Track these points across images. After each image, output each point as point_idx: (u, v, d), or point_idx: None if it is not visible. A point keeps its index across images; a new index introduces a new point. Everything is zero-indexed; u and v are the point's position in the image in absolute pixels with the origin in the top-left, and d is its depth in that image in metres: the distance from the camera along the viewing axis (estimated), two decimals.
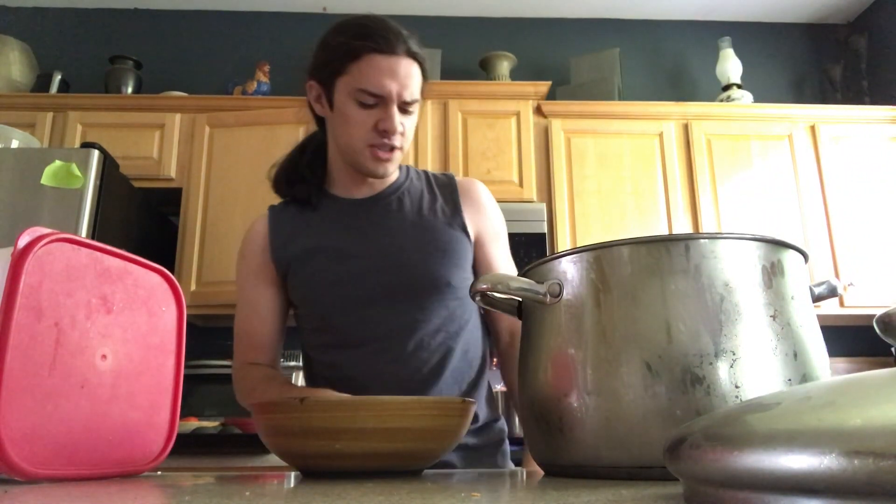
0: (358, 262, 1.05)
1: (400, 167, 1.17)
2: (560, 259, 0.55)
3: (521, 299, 0.62)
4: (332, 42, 1.04)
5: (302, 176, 1.17)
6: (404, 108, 1.02)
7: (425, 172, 1.20)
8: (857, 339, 2.95)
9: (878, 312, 0.38)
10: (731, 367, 0.48)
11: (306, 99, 1.11)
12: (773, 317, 0.50)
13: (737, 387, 0.48)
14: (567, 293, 0.54)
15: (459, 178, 1.19)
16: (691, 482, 0.29)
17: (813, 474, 0.22)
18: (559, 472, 0.55)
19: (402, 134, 1.04)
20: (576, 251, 0.55)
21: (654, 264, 0.51)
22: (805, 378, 0.50)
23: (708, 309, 0.49)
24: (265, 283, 1.13)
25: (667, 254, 0.51)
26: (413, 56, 1.02)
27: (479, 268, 1.12)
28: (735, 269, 0.51)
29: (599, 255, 0.53)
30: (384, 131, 1.02)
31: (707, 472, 0.27)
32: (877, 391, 0.25)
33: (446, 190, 1.15)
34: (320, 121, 1.15)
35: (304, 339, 1.16)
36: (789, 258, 0.54)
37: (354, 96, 1.01)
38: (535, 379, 0.57)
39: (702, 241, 0.51)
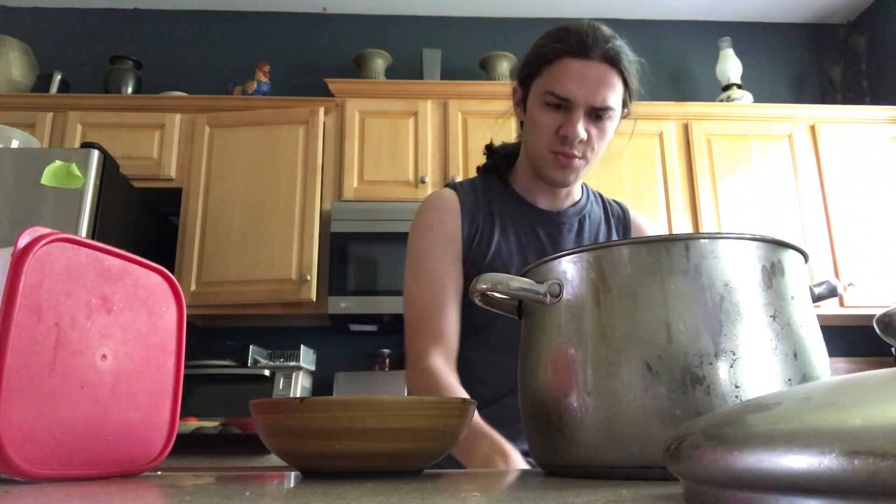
0: None
1: (582, 187, 1.15)
2: (560, 259, 0.55)
3: (520, 300, 0.62)
4: (535, 45, 1.03)
5: (499, 156, 1.15)
6: (594, 115, 0.98)
7: (601, 197, 1.19)
8: (857, 339, 2.95)
9: (878, 312, 0.38)
10: (731, 367, 0.48)
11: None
12: (773, 317, 0.50)
13: (737, 387, 0.48)
14: (567, 293, 0.54)
15: (632, 213, 1.18)
16: (691, 482, 0.29)
17: (813, 474, 0.22)
18: (559, 472, 0.55)
19: (588, 143, 0.99)
20: (576, 251, 0.55)
21: (654, 264, 0.51)
22: (805, 378, 0.50)
23: (708, 309, 0.49)
24: (453, 257, 1.04)
25: (666, 254, 0.51)
26: (611, 62, 0.97)
27: None
28: (735, 269, 0.51)
29: (599, 255, 0.53)
30: (565, 137, 0.98)
31: (707, 472, 0.27)
32: (877, 391, 0.25)
33: (619, 223, 1.15)
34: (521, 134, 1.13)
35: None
36: (789, 258, 0.54)
37: (542, 99, 0.99)
38: (535, 379, 0.57)
39: (702, 241, 0.51)
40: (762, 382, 0.48)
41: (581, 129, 0.97)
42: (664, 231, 2.71)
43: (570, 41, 0.97)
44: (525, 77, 1.03)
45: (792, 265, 0.54)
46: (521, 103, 1.06)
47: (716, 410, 0.33)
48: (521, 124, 1.10)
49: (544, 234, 1.07)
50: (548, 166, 1.02)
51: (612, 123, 1.01)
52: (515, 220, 1.08)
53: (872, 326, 0.38)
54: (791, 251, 0.54)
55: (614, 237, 1.12)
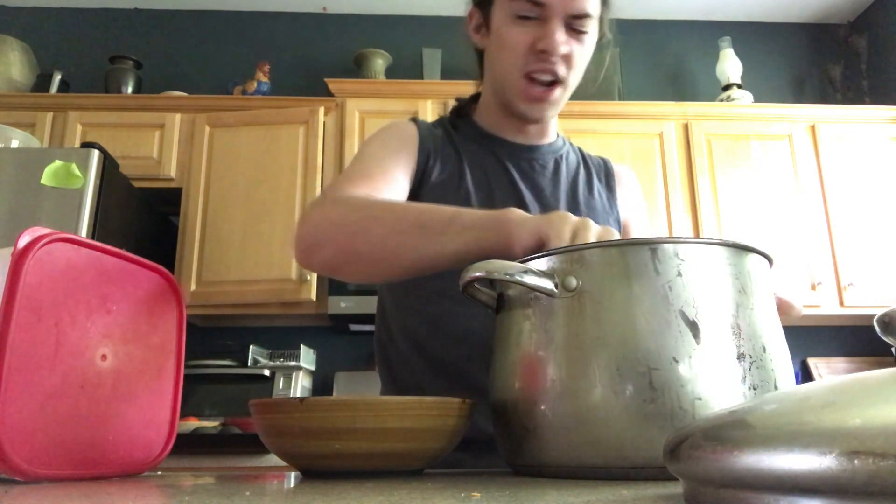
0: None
1: (557, 133, 1.03)
2: (530, 263, 0.56)
3: (501, 292, 0.61)
4: None
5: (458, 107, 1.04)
6: (573, 26, 0.86)
7: (579, 149, 1.06)
8: (857, 339, 2.95)
9: (878, 312, 0.38)
10: (693, 371, 0.48)
11: (467, 27, 0.96)
12: (737, 322, 0.51)
13: (698, 392, 0.48)
14: (538, 295, 0.54)
15: (616, 165, 1.06)
16: (691, 482, 0.29)
17: (813, 474, 0.22)
18: (527, 473, 0.56)
19: (567, 60, 0.87)
20: (547, 254, 0.56)
21: (622, 268, 0.52)
22: (766, 383, 0.51)
23: (671, 313, 0.50)
24: (404, 167, 0.91)
25: (633, 258, 0.52)
26: None
27: None
28: (699, 273, 0.51)
29: (570, 257, 0.54)
30: (543, 52, 0.85)
31: (707, 472, 0.27)
32: (877, 391, 0.25)
33: (601, 171, 1.04)
34: (482, 67, 1.00)
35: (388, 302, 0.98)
36: (753, 263, 0.55)
37: (512, 10, 0.86)
38: (507, 381, 0.57)
39: (666, 245, 0.52)
40: (724, 388, 0.49)
41: (561, 40, 0.84)
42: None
43: None
44: None
45: (756, 270, 0.55)
46: (482, 27, 0.94)
47: (716, 411, 0.33)
48: (481, 58, 1.00)
49: (514, 168, 0.95)
50: (521, 97, 0.90)
51: (591, 39, 0.89)
52: (481, 156, 0.96)
53: (872, 326, 0.38)
54: (755, 256, 0.55)
55: (595, 184, 1.01)
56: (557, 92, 0.89)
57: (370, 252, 0.75)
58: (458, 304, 0.74)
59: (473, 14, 0.96)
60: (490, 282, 0.63)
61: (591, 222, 0.63)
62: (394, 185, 0.88)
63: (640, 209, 1.06)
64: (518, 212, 0.67)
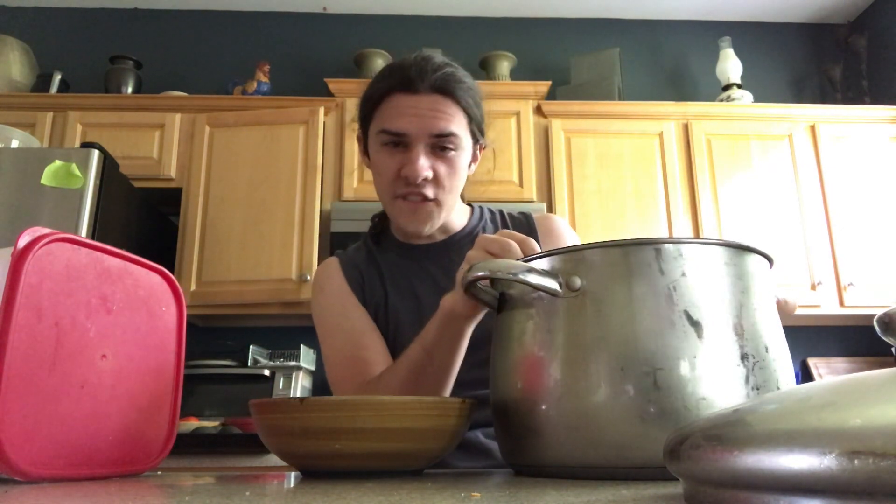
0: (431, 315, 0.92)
1: (473, 208, 1.07)
2: (533, 262, 0.56)
3: (503, 291, 0.61)
4: (366, 90, 0.96)
5: (374, 220, 1.09)
6: (438, 147, 0.90)
7: (500, 213, 1.09)
8: (857, 339, 2.95)
9: (878, 312, 0.38)
10: (697, 371, 0.49)
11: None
12: (739, 322, 0.51)
13: (702, 392, 0.48)
14: (541, 295, 0.54)
15: (536, 215, 1.08)
16: (691, 482, 0.29)
17: (813, 474, 0.22)
18: (528, 473, 0.56)
19: (436, 182, 0.90)
20: (548, 254, 0.56)
21: (625, 268, 0.52)
22: (768, 382, 0.51)
23: (675, 313, 0.50)
24: (354, 306, 0.99)
25: (636, 258, 0.52)
26: (442, 91, 0.89)
27: None
28: (701, 273, 0.52)
29: (571, 258, 0.54)
30: (406, 178, 0.89)
31: (707, 472, 0.27)
32: (877, 391, 0.25)
33: (523, 233, 1.06)
34: None
35: None
36: (754, 263, 0.55)
37: (378, 140, 0.92)
38: (507, 381, 0.57)
39: (668, 245, 0.52)
40: (726, 387, 0.49)
41: (423, 166, 0.88)
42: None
43: (396, 77, 0.90)
44: (362, 122, 0.97)
45: (757, 270, 0.55)
46: (365, 152, 0.99)
47: (715, 411, 0.33)
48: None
49: (436, 267, 0.99)
50: (397, 215, 0.94)
51: (463, 154, 0.92)
52: (403, 266, 1.01)
53: (872, 326, 0.38)
54: (756, 256, 0.55)
55: None
56: (430, 206, 0.93)
57: None
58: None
59: (360, 139, 1.00)
60: (492, 281, 0.63)
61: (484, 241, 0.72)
62: (367, 336, 0.96)
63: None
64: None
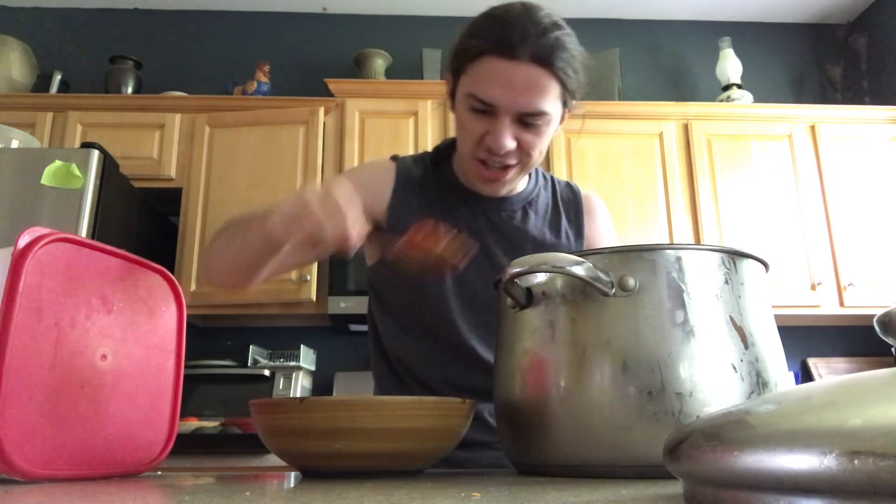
0: (467, 267, 0.89)
1: (530, 172, 1.05)
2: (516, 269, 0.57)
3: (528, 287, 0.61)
4: (461, 35, 0.90)
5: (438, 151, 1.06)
6: (526, 121, 0.86)
7: (552, 180, 1.09)
8: (857, 339, 2.95)
9: (878, 312, 0.38)
10: (693, 373, 0.50)
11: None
12: (736, 325, 0.52)
13: (698, 392, 0.49)
14: (551, 295, 0.56)
15: (583, 192, 1.08)
16: (691, 482, 0.29)
17: (813, 474, 0.22)
18: (530, 472, 0.56)
19: (521, 150, 0.89)
20: (532, 269, 0.57)
21: (625, 272, 0.53)
22: (765, 383, 0.52)
23: (675, 316, 0.51)
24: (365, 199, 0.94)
25: (635, 262, 0.53)
26: (543, 62, 0.83)
27: None
28: (698, 278, 0.53)
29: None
30: (489, 148, 0.88)
31: (707, 472, 0.27)
32: (877, 391, 0.25)
33: (570, 208, 1.06)
34: None
35: (378, 322, 1.04)
36: (749, 268, 0.57)
37: (467, 102, 0.88)
38: (512, 381, 0.58)
39: (666, 251, 0.54)
40: (723, 389, 0.50)
41: (508, 140, 0.86)
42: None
43: (496, 36, 0.84)
44: (454, 70, 0.92)
45: (752, 275, 0.56)
46: (452, 96, 0.95)
47: (715, 411, 0.33)
48: None
49: (484, 220, 0.99)
50: (473, 176, 0.94)
51: (550, 127, 0.90)
52: (454, 206, 1.00)
53: (872, 326, 0.38)
54: (751, 261, 0.57)
55: (563, 223, 1.03)
56: (511, 173, 0.92)
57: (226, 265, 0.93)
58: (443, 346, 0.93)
59: (448, 80, 0.96)
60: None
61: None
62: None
63: (606, 241, 1.08)
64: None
